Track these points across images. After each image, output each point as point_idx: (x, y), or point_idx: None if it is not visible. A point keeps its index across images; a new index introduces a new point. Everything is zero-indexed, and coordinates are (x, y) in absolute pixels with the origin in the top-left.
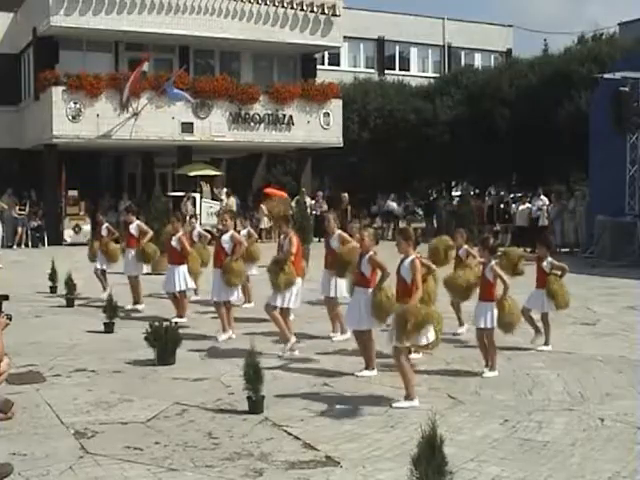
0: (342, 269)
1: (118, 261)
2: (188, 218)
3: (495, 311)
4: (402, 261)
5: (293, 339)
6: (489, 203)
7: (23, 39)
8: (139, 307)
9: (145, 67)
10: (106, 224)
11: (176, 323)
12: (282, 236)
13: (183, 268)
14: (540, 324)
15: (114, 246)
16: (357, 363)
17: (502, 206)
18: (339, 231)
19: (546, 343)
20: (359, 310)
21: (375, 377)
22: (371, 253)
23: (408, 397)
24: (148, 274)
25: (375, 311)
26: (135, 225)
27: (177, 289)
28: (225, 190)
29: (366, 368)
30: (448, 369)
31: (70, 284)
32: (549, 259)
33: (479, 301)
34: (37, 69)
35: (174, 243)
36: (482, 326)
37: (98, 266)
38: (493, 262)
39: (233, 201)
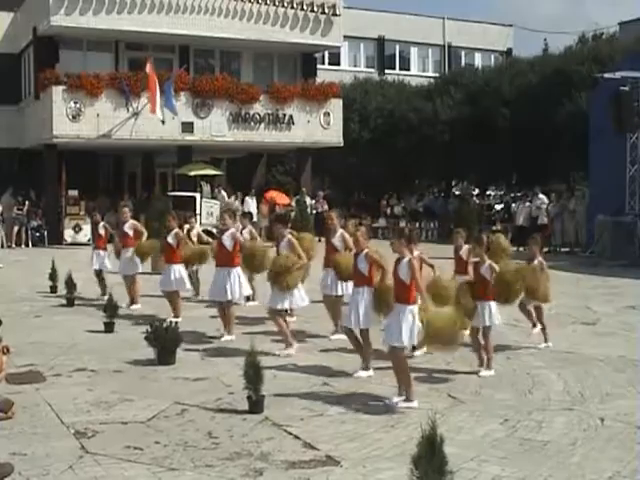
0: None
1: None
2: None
3: (493, 309)
4: (398, 261)
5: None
6: (489, 203)
7: (23, 39)
8: (134, 307)
9: (147, 69)
10: (103, 223)
11: (176, 323)
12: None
13: (179, 267)
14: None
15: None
16: (358, 362)
17: (502, 206)
18: (341, 230)
19: (545, 340)
20: (358, 309)
21: (375, 377)
22: (366, 251)
23: (408, 398)
24: (147, 274)
25: (377, 304)
26: (129, 224)
27: (174, 288)
28: (220, 189)
29: (363, 369)
30: (448, 369)
31: (70, 284)
32: (539, 258)
33: (476, 300)
34: (37, 69)
35: (170, 239)
36: (477, 324)
37: (96, 267)
38: (488, 261)
39: (234, 201)
